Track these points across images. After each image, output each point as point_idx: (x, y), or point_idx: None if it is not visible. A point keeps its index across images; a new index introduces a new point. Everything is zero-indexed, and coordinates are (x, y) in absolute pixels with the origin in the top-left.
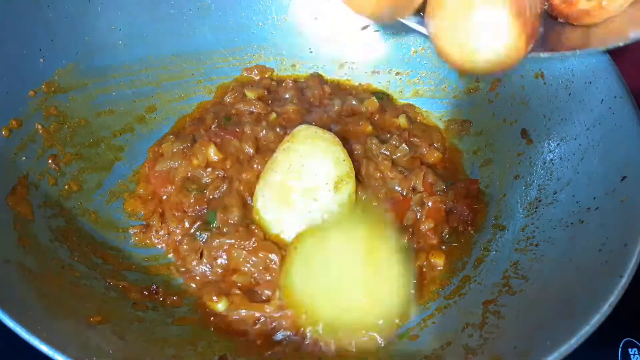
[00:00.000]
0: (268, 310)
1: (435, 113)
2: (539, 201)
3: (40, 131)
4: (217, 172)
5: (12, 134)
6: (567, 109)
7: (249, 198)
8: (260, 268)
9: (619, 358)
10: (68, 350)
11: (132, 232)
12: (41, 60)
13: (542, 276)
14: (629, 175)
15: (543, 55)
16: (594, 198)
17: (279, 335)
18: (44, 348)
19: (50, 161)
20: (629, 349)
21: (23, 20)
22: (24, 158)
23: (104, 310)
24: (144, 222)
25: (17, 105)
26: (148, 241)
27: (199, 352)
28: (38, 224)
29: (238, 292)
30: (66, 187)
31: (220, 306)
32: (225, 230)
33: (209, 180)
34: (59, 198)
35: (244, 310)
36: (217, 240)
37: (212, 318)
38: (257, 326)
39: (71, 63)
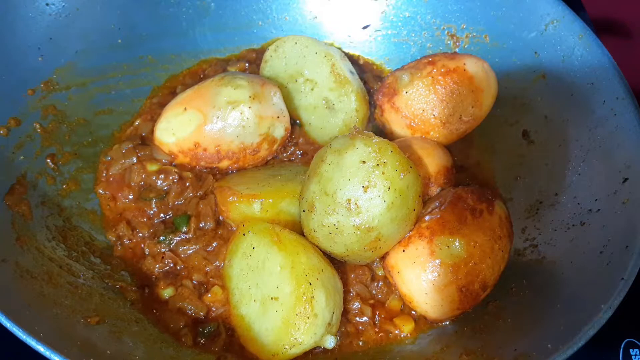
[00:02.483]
0: (210, 304)
1: None
2: (540, 203)
3: (38, 130)
4: (171, 177)
5: (11, 132)
6: (569, 110)
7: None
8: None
9: (620, 359)
10: (65, 350)
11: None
12: (40, 58)
13: (543, 278)
14: (631, 177)
15: None
16: (596, 200)
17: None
18: (41, 348)
19: (48, 160)
20: (630, 350)
21: (21, 18)
22: (22, 157)
23: (101, 310)
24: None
25: (15, 104)
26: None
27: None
28: (36, 223)
29: (189, 285)
30: (64, 186)
31: (166, 294)
32: (192, 236)
33: (166, 186)
34: (57, 197)
35: (187, 304)
36: (182, 248)
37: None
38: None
39: (70, 62)
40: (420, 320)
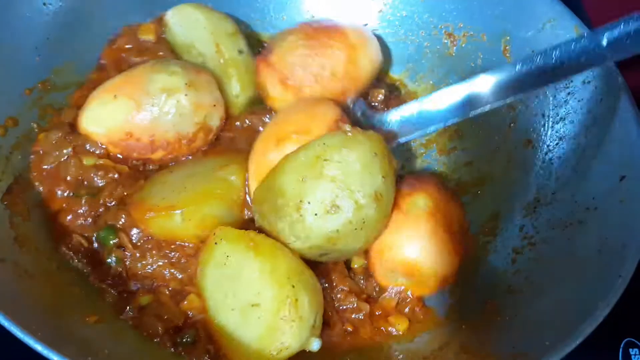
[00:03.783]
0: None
1: None
2: (538, 201)
3: (36, 130)
4: (110, 174)
5: (8, 132)
6: (566, 108)
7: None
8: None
9: (620, 358)
10: (63, 349)
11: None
12: (37, 58)
13: (541, 276)
14: (628, 175)
15: None
16: (593, 198)
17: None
18: (39, 347)
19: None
20: (630, 349)
21: (19, 18)
22: (19, 157)
23: (99, 310)
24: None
25: (12, 104)
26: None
27: None
28: (34, 223)
29: (167, 292)
30: None
31: (144, 301)
32: (134, 252)
33: (102, 182)
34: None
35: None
36: (141, 264)
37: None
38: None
39: (67, 61)
40: (414, 320)
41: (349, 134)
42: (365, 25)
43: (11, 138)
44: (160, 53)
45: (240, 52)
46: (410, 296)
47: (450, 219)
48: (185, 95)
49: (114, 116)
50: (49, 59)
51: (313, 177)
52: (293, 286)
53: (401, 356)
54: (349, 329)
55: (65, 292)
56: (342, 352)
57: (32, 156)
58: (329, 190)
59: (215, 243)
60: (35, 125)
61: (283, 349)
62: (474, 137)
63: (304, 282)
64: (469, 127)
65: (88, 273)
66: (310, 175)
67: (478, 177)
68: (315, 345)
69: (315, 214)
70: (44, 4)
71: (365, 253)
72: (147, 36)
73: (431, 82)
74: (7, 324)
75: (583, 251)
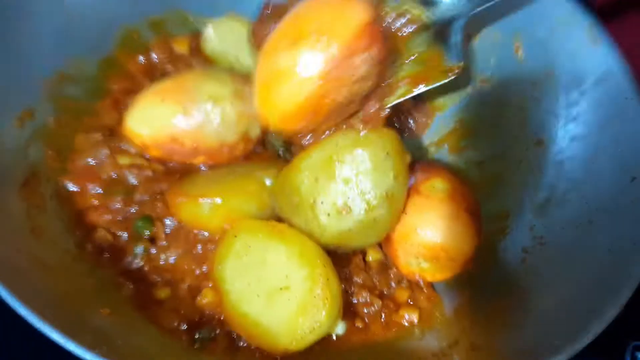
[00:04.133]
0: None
1: (444, 113)
2: (549, 201)
3: (51, 122)
4: (145, 172)
5: (24, 124)
6: (578, 108)
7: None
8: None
9: None
10: (79, 338)
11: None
12: (54, 50)
13: (551, 276)
14: (639, 176)
15: None
16: (604, 198)
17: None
18: (55, 336)
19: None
20: (637, 353)
21: (37, 10)
22: (35, 149)
23: (113, 302)
24: None
25: (29, 96)
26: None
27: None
28: (50, 215)
29: (185, 287)
30: None
31: (163, 294)
32: (165, 243)
33: (136, 180)
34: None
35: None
36: (165, 255)
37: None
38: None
39: (82, 54)
40: (424, 312)
41: (362, 132)
42: None
43: (28, 130)
44: (194, 63)
45: None
46: (423, 286)
47: (468, 201)
48: (231, 104)
49: (160, 119)
50: (64, 52)
51: (326, 177)
52: (324, 266)
53: (411, 354)
54: (359, 325)
55: (80, 284)
56: (351, 349)
57: (49, 151)
58: (340, 192)
59: (235, 236)
60: (51, 118)
61: (316, 328)
62: (485, 137)
63: (331, 264)
64: (481, 126)
65: (107, 266)
66: (323, 176)
67: (489, 176)
68: (340, 328)
69: (328, 214)
70: None
71: (386, 241)
72: (182, 48)
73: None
74: (24, 313)
75: (593, 251)
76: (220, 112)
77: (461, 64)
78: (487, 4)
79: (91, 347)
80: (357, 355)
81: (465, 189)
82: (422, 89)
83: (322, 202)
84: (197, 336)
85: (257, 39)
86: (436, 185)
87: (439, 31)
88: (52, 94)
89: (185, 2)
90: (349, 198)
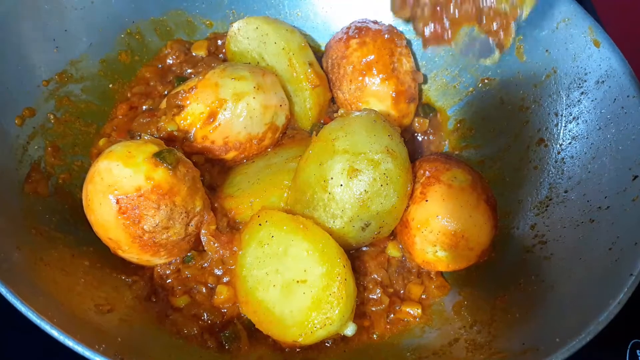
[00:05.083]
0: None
1: (447, 112)
2: (550, 200)
3: (52, 121)
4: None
5: (25, 122)
6: (579, 107)
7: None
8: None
9: None
10: (79, 335)
11: None
12: (55, 50)
13: (552, 274)
14: None
15: None
16: (605, 197)
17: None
18: (55, 333)
19: (60, 150)
20: (637, 351)
21: (37, 10)
22: (36, 147)
23: (112, 299)
24: None
25: (30, 95)
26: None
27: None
28: (51, 211)
29: (203, 290)
30: (75, 176)
31: (182, 302)
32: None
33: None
34: (69, 187)
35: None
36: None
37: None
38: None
39: (84, 54)
40: (426, 308)
41: (342, 112)
42: (376, 22)
43: (28, 128)
44: (213, 65)
45: (310, 64)
46: (433, 276)
47: (487, 193)
48: (254, 98)
49: (189, 120)
50: (66, 51)
51: (327, 157)
52: (344, 266)
53: (412, 352)
54: (365, 324)
55: (79, 280)
56: (355, 350)
57: (49, 148)
58: (345, 159)
59: (260, 224)
60: (51, 116)
61: (327, 325)
62: (486, 136)
63: (349, 266)
64: (482, 126)
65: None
66: (325, 158)
67: (490, 175)
68: (350, 329)
69: (341, 185)
70: None
71: (404, 228)
72: (200, 52)
73: (444, 79)
74: (23, 309)
75: (594, 249)
76: (245, 107)
77: None
78: None
79: (90, 343)
80: (360, 352)
81: (484, 182)
82: None
83: (332, 178)
84: (224, 339)
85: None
86: (458, 176)
87: None
88: (53, 93)
89: (185, 3)
90: (353, 162)
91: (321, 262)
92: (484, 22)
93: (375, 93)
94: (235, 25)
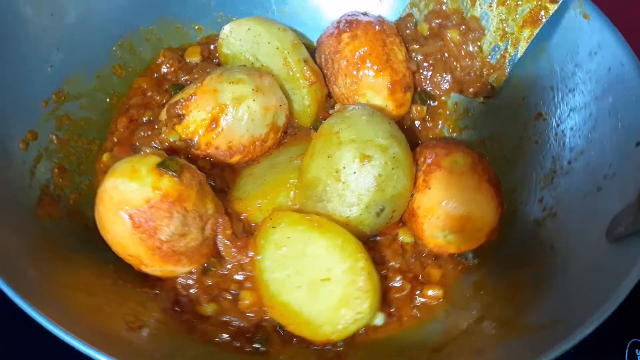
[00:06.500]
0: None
1: (442, 98)
2: (554, 172)
3: (55, 141)
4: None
5: (29, 146)
6: (574, 80)
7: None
8: None
9: (626, 359)
10: (122, 357)
11: None
12: (49, 69)
13: (566, 245)
14: None
15: None
16: (610, 165)
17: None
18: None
19: (66, 170)
20: (636, 350)
21: (28, 30)
22: (42, 169)
23: (139, 315)
24: None
25: (30, 117)
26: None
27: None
28: (65, 233)
29: (228, 297)
30: (83, 195)
31: (209, 310)
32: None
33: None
34: (80, 207)
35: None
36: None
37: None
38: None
39: (78, 70)
40: (447, 290)
41: (338, 107)
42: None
43: (33, 151)
44: (208, 70)
45: (305, 61)
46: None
47: (489, 173)
48: (254, 100)
49: (192, 129)
50: (60, 69)
51: (335, 149)
52: (366, 260)
53: (439, 334)
54: (391, 311)
55: (105, 300)
56: (384, 337)
57: (56, 169)
58: (353, 148)
59: (273, 227)
60: (54, 137)
61: (358, 319)
62: (484, 115)
63: (370, 259)
64: (479, 106)
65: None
66: (332, 150)
67: (492, 153)
68: (380, 319)
69: (354, 172)
70: (52, 14)
71: (412, 217)
72: (194, 58)
73: None
74: (62, 335)
75: (606, 217)
76: (246, 110)
77: None
78: None
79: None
80: (389, 339)
81: (485, 162)
82: (543, 20)
83: (344, 167)
84: (256, 342)
85: None
86: (458, 160)
87: None
88: (52, 113)
89: (173, 10)
90: (363, 149)
91: (342, 259)
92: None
93: (372, 85)
94: (226, 28)
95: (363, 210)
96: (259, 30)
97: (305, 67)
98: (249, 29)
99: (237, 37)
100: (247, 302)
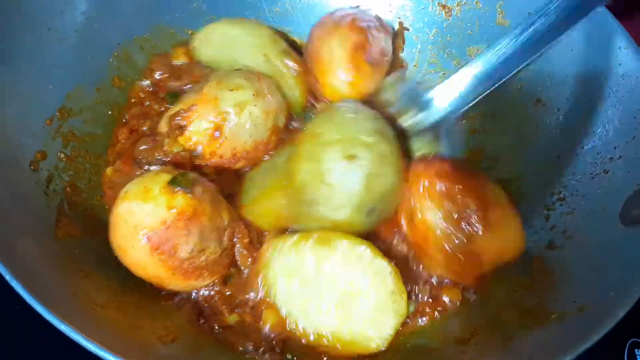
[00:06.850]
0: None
1: None
2: (558, 157)
3: (63, 159)
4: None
5: (40, 167)
6: (572, 66)
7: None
8: None
9: (625, 359)
10: None
11: None
12: (50, 87)
13: (579, 228)
14: None
15: None
16: (615, 147)
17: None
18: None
19: (78, 188)
20: (635, 350)
21: (26, 49)
22: (53, 189)
23: (169, 327)
24: None
25: (38, 137)
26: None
27: None
28: (86, 251)
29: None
30: (98, 211)
31: (232, 320)
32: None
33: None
34: (95, 223)
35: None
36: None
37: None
38: None
39: (78, 84)
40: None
41: (321, 105)
42: (357, 6)
43: (44, 172)
44: (197, 73)
45: (285, 52)
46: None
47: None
48: (255, 105)
49: (195, 139)
50: (61, 86)
51: (320, 151)
52: (388, 262)
53: (461, 329)
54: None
55: (135, 316)
56: (410, 333)
57: (68, 188)
58: (338, 149)
59: (278, 253)
60: (62, 155)
61: (400, 319)
62: (481, 105)
63: (386, 258)
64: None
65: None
66: (316, 153)
67: (492, 144)
68: (412, 306)
69: (342, 174)
70: (49, 29)
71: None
72: (181, 59)
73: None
74: (101, 353)
75: (616, 199)
76: (248, 116)
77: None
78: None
79: None
80: (414, 334)
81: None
82: None
83: (329, 169)
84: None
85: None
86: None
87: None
88: (57, 130)
89: (165, 17)
90: (348, 149)
91: (365, 269)
92: None
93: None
94: (198, 36)
95: (353, 212)
96: (235, 31)
97: (286, 60)
98: (222, 33)
99: (212, 44)
100: (269, 323)
